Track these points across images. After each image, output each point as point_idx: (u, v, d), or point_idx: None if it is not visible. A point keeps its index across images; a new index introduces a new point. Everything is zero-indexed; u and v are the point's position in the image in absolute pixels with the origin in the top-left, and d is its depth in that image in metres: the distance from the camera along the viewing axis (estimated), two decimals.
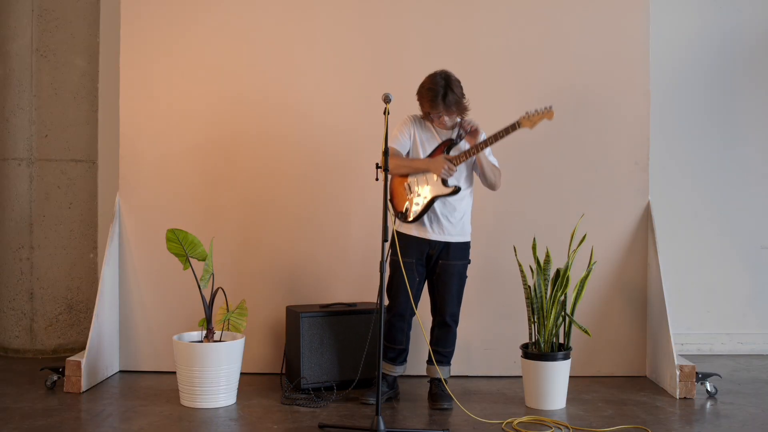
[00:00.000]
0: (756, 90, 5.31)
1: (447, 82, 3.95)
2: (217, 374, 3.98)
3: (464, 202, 4.08)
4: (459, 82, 4.01)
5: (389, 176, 3.76)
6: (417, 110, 4.70)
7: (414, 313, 4.06)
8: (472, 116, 4.12)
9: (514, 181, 4.69)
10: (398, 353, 4.15)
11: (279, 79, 4.74)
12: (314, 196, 4.72)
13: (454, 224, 4.05)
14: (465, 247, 4.11)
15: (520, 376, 4.21)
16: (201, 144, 4.76)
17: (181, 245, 4.07)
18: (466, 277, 4.13)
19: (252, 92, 4.74)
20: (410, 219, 4.03)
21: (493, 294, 4.67)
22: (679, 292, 5.17)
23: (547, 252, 4.10)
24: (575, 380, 4.36)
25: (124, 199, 4.74)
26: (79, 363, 4.23)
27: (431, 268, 4.10)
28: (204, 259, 4.12)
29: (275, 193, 4.73)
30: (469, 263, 4.13)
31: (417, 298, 4.09)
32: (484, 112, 4.71)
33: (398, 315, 4.07)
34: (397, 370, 4.17)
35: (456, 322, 4.11)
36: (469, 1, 4.73)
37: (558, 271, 4.06)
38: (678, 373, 4.19)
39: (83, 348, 4.48)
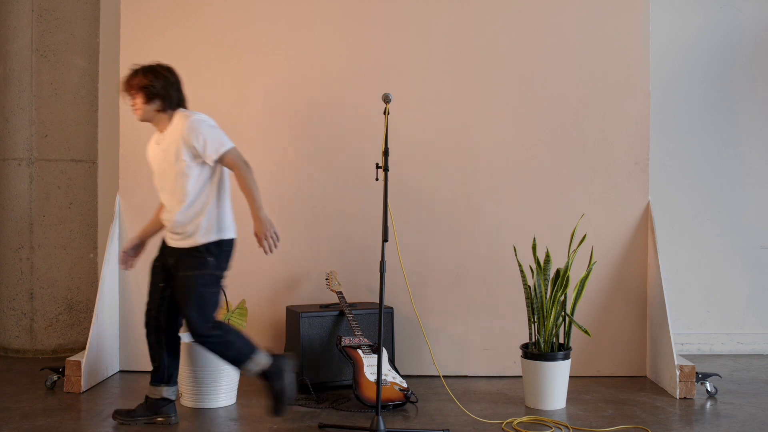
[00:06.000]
0: (756, 90, 5.31)
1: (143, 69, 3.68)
2: (217, 374, 3.98)
3: (186, 204, 3.61)
4: (160, 76, 3.67)
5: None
6: (414, 107, 4.71)
7: (159, 325, 3.73)
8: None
9: (514, 181, 4.70)
10: (153, 371, 3.75)
11: (278, 78, 4.74)
12: (314, 195, 4.73)
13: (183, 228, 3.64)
14: (194, 253, 3.62)
15: (520, 376, 4.21)
16: None
17: None
18: (209, 293, 3.61)
19: (251, 92, 4.75)
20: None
21: (493, 294, 4.67)
22: (679, 292, 5.17)
23: (547, 252, 4.10)
24: (575, 380, 4.36)
25: (124, 199, 4.74)
26: (79, 363, 4.23)
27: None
28: None
29: (275, 193, 4.73)
30: (207, 274, 3.61)
31: (162, 307, 3.73)
32: (484, 111, 4.72)
33: (145, 326, 3.74)
34: (155, 392, 3.73)
35: (206, 336, 3.59)
36: (469, 1, 4.72)
37: (558, 271, 4.06)
38: (678, 373, 4.19)
39: (83, 348, 4.48)
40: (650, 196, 4.72)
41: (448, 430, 3.64)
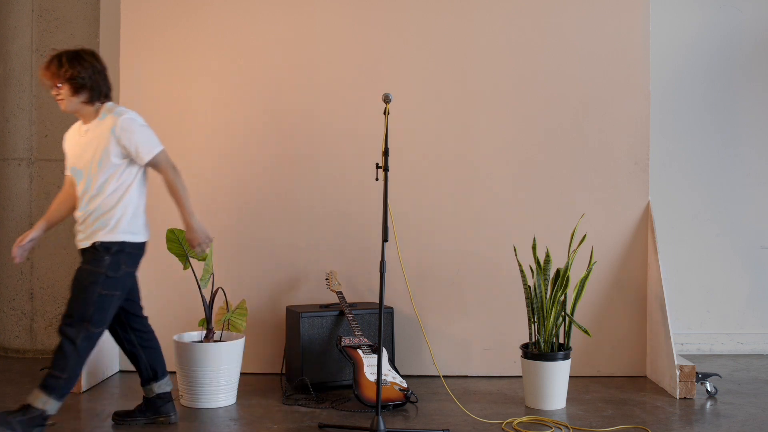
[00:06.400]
0: (756, 90, 5.31)
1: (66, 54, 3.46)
2: (217, 374, 3.98)
3: (99, 201, 3.47)
4: (82, 61, 3.46)
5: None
6: (414, 107, 4.71)
7: (120, 328, 3.70)
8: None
9: (514, 181, 4.70)
10: (138, 372, 3.77)
11: (278, 79, 4.74)
12: (314, 195, 4.73)
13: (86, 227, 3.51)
14: (92, 250, 3.47)
15: (520, 376, 4.21)
16: (200, 144, 4.76)
17: (181, 245, 4.07)
18: (98, 293, 3.40)
19: (251, 92, 4.75)
20: None
21: (493, 294, 4.67)
22: (679, 292, 5.17)
23: (547, 252, 4.10)
24: (575, 380, 4.36)
25: None
26: None
27: None
28: (204, 259, 4.12)
29: (275, 193, 4.73)
30: (101, 273, 3.41)
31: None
32: (484, 111, 4.72)
33: (111, 334, 3.72)
34: (148, 392, 3.74)
35: (69, 339, 3.35)
36: (469, 1, 4.72)
37: (558, 271, 4.05)
38: (678, 373, 4.19)
39: None
40: (650, 196, 4.72)
41: (448, 430, 3.64)
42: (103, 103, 3.54)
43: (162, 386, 3.73)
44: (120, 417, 3.72)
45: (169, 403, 3.74)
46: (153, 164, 3.52)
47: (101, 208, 3.46)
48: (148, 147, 3.48)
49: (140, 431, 3.64)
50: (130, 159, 3.48)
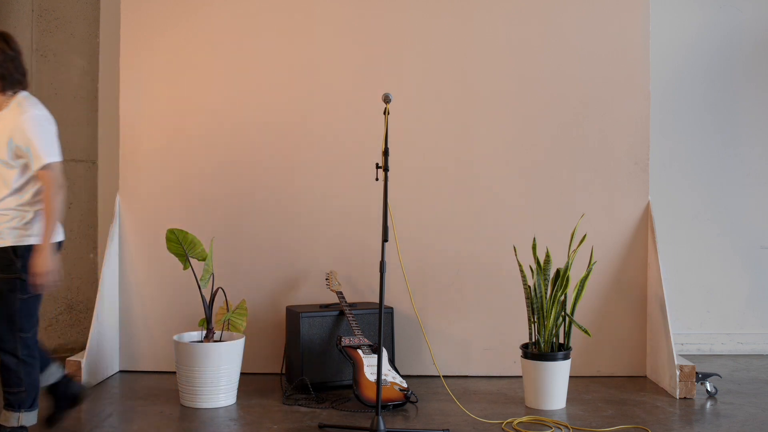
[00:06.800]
0: (756, 90, 5.31)
1: None
2: (217, 374, 3.98)
3: (10, 202, 3.27)
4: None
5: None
6: (414, 107, 4.71)
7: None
8: None
9: (514, 181, 4.70)
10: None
11: (278, 79, 4.74)
12: (314, 196, 4.73)
13: None
14: (2, 254, 3.24)
15: (520, 376, 4.21)
16: (201, 144, 4.76)
17: (181, 245, 4.07)
18: (19, 299, 3.23)
19: (252, 92, 4.75)
20: None
21: (493, 294, 4.67)
22: (679, 292, 5.17)
23: (547, 252, 4.10)
24: (575, 380, 4.36)
25: (124, 199, 4.74)
26: (79, 363, 4.24)
27: None
28: (204, 259, 4.12)
29: (275, 193, 4.73)
30: (15, 278, 3.23)
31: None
32: (484, 111, 4.72)
33: None
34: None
35: (8, 353, 3.23)
36: (469, 1, 4.72)
37: (558, 271, 4.05)
38: (678, 373, 4.19)
39: (83, 348, 4.48)
40: (650, 196, 4.72)
41: (448, 430, 3.64)
42: (16, 91, 3.29)
43: (50, 377, 3.48)
44: (47, 421, 3.53)
45: (70, 383, 3.53)
46: (41, 173, 3.23)
47: (5, 206, 3.24)
48: (41, 153, 3.21)
49: (144, 428, 3.64)
50: (26, 160, 3.23)
